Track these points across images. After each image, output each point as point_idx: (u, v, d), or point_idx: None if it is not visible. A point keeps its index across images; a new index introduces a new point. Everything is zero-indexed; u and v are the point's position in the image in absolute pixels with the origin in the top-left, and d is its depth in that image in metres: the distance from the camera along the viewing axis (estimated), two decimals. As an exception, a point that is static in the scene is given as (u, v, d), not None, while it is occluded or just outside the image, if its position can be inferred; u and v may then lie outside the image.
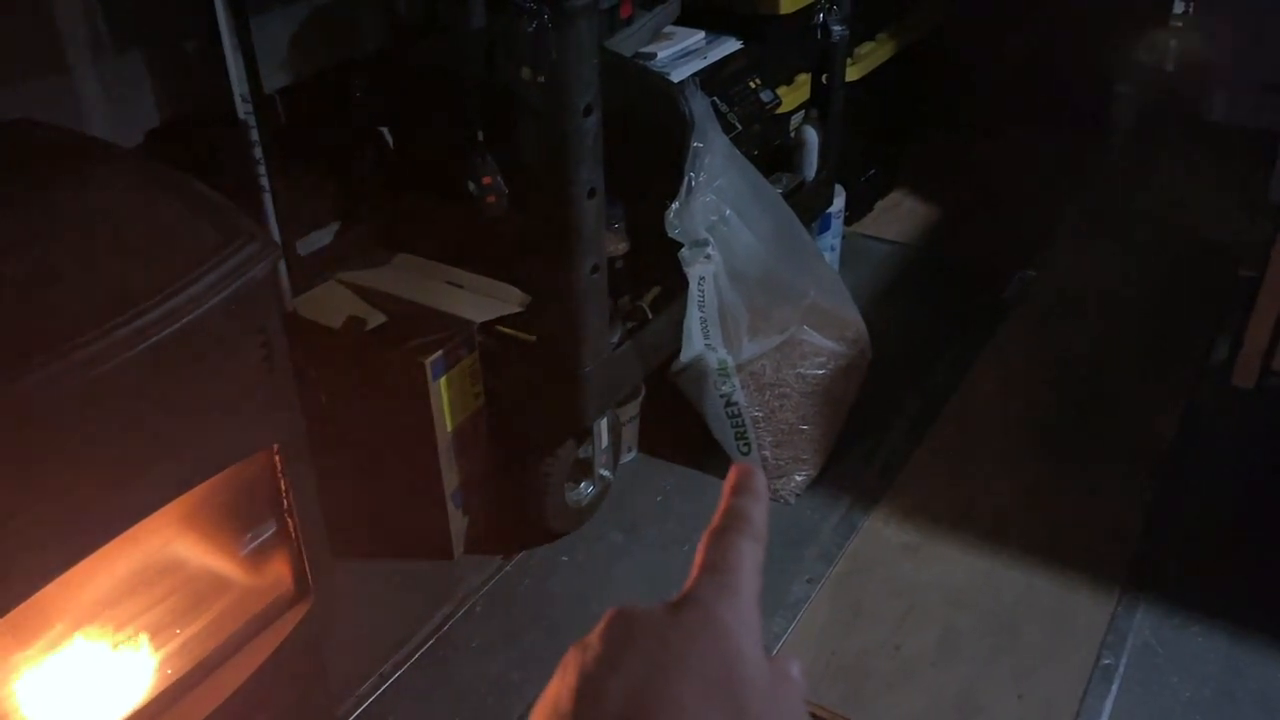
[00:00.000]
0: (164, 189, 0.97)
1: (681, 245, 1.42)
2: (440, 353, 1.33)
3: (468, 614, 1.38)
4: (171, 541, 0.99)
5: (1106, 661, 1.28)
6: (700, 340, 1.44)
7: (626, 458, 1.60)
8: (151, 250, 0.89)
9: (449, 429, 1.37)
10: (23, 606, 0.80)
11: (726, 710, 0.34)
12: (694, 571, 0.38)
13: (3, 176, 0.97)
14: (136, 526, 0.87)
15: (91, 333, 0.78)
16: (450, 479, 1.41)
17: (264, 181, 1.25)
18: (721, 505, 0.40)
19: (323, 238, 1.54)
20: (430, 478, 1.40)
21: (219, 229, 0.91)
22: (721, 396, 1.51)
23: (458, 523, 1.44)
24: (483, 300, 1.41)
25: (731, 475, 0.41)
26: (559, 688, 0.35)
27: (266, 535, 1.04)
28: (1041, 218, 2.23)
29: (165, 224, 0.92)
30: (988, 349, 1.85)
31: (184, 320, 0.82)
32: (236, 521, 1.02)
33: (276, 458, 0.99)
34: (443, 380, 1.34)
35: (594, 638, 0.36)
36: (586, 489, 1.49)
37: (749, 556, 0.38)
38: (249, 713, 1.01)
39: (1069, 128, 2.44)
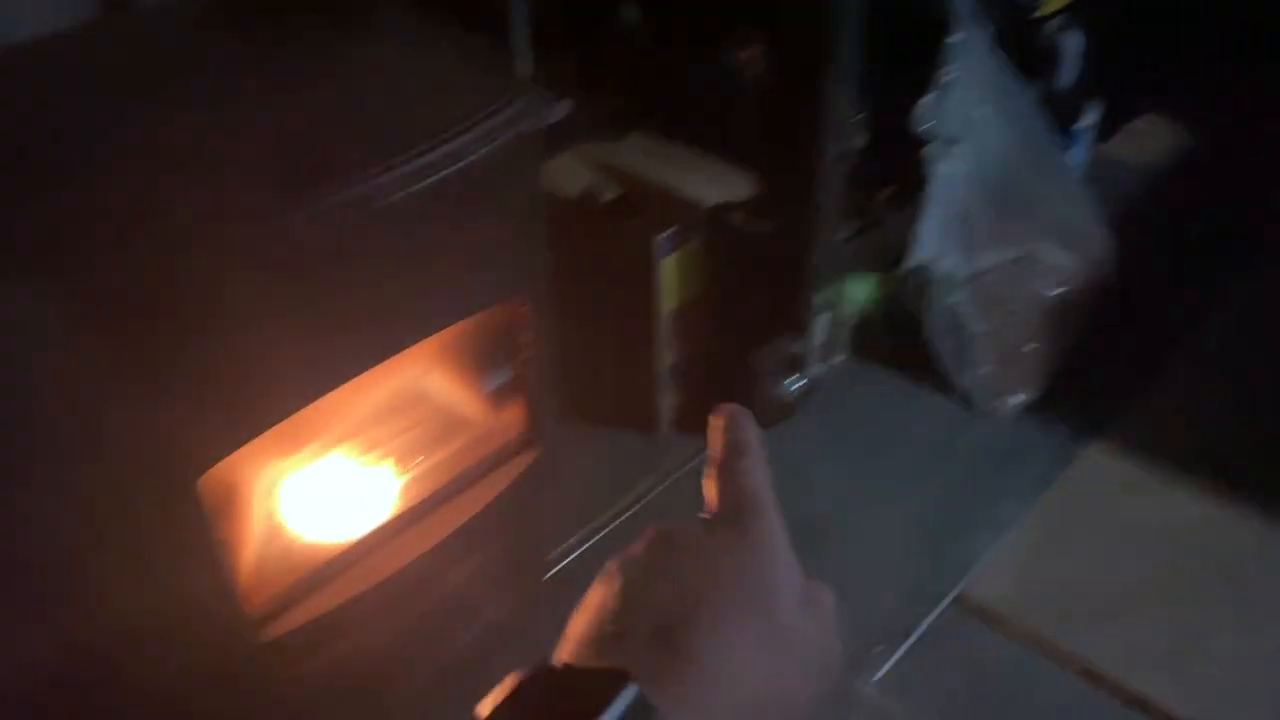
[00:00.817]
0: (445, 40, 1.00)
1: (925, 143, 1.37)
2: (670, 231, 1.33)
3: (670, 488, 1.41)
4: (422, 376, 1.05)
5: (1343, 627, 1.20)
6: (934, 244, 1.39)
7: (837, 358, 1.58)
8: (433, 96, 0.92)
9: (670, 308, 1.39)
10: (293, 418, 0.87)
11: (760, 619, 0.36)
12: (713, 506, 0.41)
13: (294, 21, 1.03)
14: (397, 356, 0.93)
15: (377, 167, 0.82)
16: (664, 356, 1.43)
17: (522, 44, 1.27)
18: (719, 440, 0.42)
19: (560, 109, 1.56)
20: (645, 353, 1.42)
21: (496, 81, 0.93)
22: (947, 307, 1.46)
23: (666, 400, 1.47)
24: (715, 184, 1.40)
25: (717, 416, 0.43)
26: (603, 594, 0.37)
27: (504, 382, 1.09)
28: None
29: (446, 72, 0.95)
30: (1238, 289, 1.71)
31: (461, 163, 0.85)
32: (479, 364, 1.07)
33: (524, 308, 1.03)
34: (669, 259, 1.35)
35: (637, 549, 0.39)
36: (796, 383, 1.49)
37: (764, 483, 0.40)
38: (473, 546, 1.08)
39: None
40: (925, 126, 1.31)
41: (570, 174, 1.43)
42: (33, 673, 0.84)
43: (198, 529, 0.81)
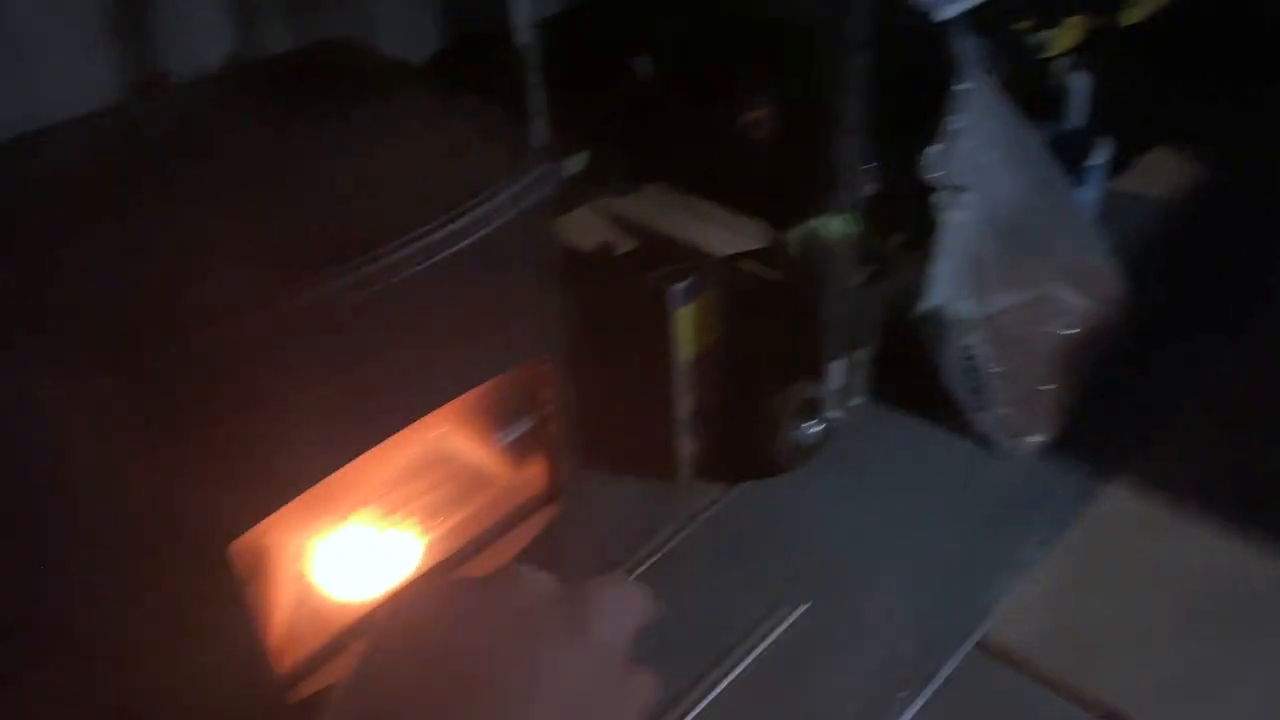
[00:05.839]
0: (458, 109, 1.03)
1: (933, 190, 1.39)
2: (685, 282, 1.36)
3: (690, 536, 1.42)
4: (443, 437, 1.07)
5: (1369, 666, 1.20)
6: (946, 289, 1.41)
7: (854, 402, 1.59)
8: (449, 166, 0.95)
9: (686, 357, 1.41)
10: (318, 486, 0.90)
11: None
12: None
13: (313, 92, 1.06)
14: (419, 421, 0.96)
15: (397, 240, 0.85)
16: (683, 405, 1.45)
17: (537, 107, 1.30)
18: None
19: (575, 165, 1.59)
20: (664, 402, 1.44)
21: (509, 150, 0.96)
22: (961, 349, 1.47)
23: (686, 448, 1.49)
24: (729, 234, 1.43)
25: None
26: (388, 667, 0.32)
27: (524, 439, 1.11)
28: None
29: (461, 142, 0.99)
30: (1254, 324, 1.71)
31: (479, 233, 0.88)
32: (499, 423, 1.10)
33: (545, 366, 1.06)
34: (685, 308, 1.37)
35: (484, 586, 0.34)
36: (814, 428, 1.50)
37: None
38: (498, 601, 1.10)
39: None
40: (934, 175, 1.33)
41: (586, 227, 1.47)
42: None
43: (229, 593, 0.83)
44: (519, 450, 1.12)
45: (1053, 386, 1.50)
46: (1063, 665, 1.22)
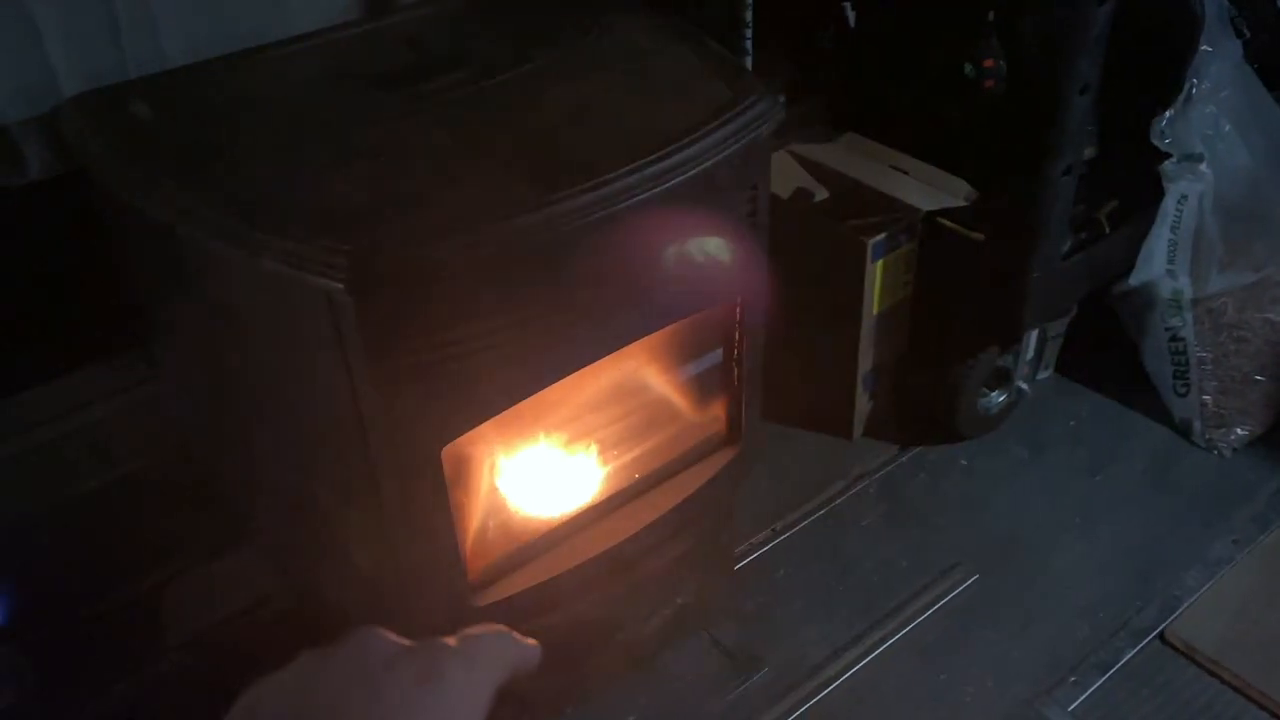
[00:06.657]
0: (681, 41, 1.03)
1: (1159, 157, 1.30)
2: (883, 235, 1.33)
3: (860, 494, 1.41)
4: (633, 369, 1.08)
5: None
6: (1162, 264, 1.33)
7: (1042, 374, 1.53)
8: (671, 98, 0.95)
9: (875, 312, 1.38)
10: (518, 405, 0.92)
11: None
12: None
13: (537, 18, 1.07)
14: (619, 350, 0.97)
15: (620, 168, 0.85)
16: (865, 361, 1.42)
17: (748, 44, 1.29)
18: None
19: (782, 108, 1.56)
20: (846, 357, 1.42)
21: (731, 84, 0.95)
22: (1167, 329, 1.40)
23: (863, 405, 1.47)
24: (929, 190, 1.38)
25: None
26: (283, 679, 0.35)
27: (711, 378, 1.11)
28: None
29: (683, 75, 0.98)
30: None
31: (699, 168, 0.87)
32: (688, 361, 1.10)
33: (738, 310, 1.05)
34: (880, 263, 1.34)
35: (338, 649, 0.36)
36: (998, 398, 1.45)
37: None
38: (671, 535, 1.11)
39: None
40: (1165, 141, 1.25)
41: (783, 173, 1.44)
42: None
43: (438, 493, 0.87)
44: (705, 389, 1.12)
45: (1266, 378, 1.40)
46: (1251, 670, 1.15)
